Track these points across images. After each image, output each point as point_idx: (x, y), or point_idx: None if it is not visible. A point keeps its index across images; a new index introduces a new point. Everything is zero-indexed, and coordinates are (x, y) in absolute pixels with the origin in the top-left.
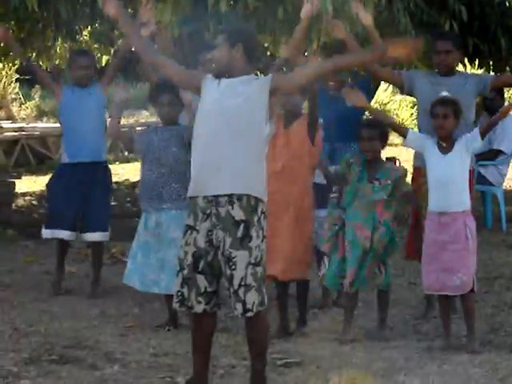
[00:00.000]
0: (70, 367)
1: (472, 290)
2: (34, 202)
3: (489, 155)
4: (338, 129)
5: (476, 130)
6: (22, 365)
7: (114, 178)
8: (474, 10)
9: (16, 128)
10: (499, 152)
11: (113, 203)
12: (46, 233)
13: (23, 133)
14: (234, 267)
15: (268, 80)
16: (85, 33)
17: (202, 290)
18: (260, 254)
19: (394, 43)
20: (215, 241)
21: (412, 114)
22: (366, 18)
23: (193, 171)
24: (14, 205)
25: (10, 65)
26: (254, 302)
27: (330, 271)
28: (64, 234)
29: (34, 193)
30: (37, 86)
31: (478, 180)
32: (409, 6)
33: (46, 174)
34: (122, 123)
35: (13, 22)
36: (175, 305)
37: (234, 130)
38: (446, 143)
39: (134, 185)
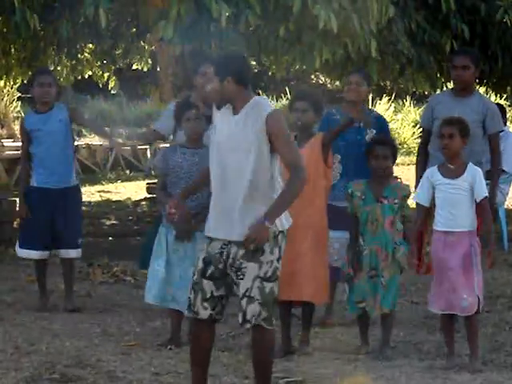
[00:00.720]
0: None
1: (477, 311)
2: None
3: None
4: (355, 164)
5: (484, 187)
6: None
7: (116, 197)
8: (476, 28)
9: (17, 147)
10: (501, 171)
11: (114, 222)
12: (22, 252)
13: None
14: (241, 277)
15: (263, 124)
16: (86, 51)
17: (208, 295)
18: (272, 271)
19: None
20: (227, 253)
21: (414, 133)
22: None
23: (210, 211)
24: (15, 223)
25: (12, 83)
26: (253, 316)
27: (351, 299)
28: (37, 255)
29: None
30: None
31: None
32: (410, 25)
33: None
34: (123, 142)
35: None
36: (186, 311)
37: (240, 174)
38: (453, 165)
39: (135, 203)
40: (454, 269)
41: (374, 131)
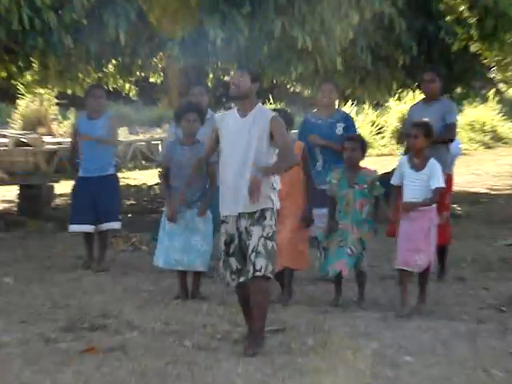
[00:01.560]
0: (99, 333)
1: (428, 269)
2: (69, 202)
3: None
4: (332, 153)
5: (439, 179)
6: (60, 332)
7: (134, 182)
8: (422, 46)
9: (55, 142)
10: None
11: (133, 202)
12: (73, 227)
13: (61, 146)
14: (250, 238)
15: (267, 125)
16: (110, 66)
17: (234, 268)
18: (272, 232)
19: None
20: (239, 226)
21: (371, 131)
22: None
23: (221, 192)
24: (53, 203)
25: (50, 91)
26: (261, 266)
27: (325, 264)
28: (87, 228)
29: (69, 194)
30: (72, 108)
31: None
32: (370, 43)
33: None
34: (139, 138)
35: (52, 58)
36: (222, 281)
37: (247, 162)
38: (417, 159)
39: (149, 187)
40: (417, 235)
41: (343, 125)
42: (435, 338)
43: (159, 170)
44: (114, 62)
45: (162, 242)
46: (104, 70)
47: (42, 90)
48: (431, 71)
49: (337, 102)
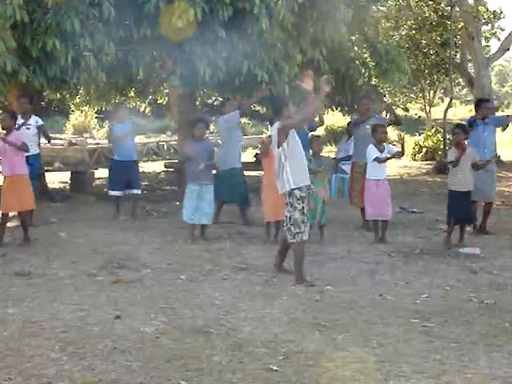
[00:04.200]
0: (124, 270)
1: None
2: (104, 183)
3: (347, 158)
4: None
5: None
6: (98, 269)
7: (147, 170)
8: (338, 80)
9: (95, 143)
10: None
11: (146, 183)
12: (112, 192)
13: (99, 145)
14: None
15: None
16: (131, 92)
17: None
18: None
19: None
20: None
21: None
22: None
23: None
24: (93, 184)
25: (92, 109)
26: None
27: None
28: (119, 193)
29: (104, 178)
30: (106, 120)
31: (341, 171)
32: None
33: None
34: (151, 140)
35: (92, 87)
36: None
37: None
38: (380, 146)
39: (157, 174)
40: (383, 196)
41: (309, 125)
42: (347, 273)
43: (164, 162)
44: (134, 89)
45: (187, 206)
46: (128, 95)
47: (86, 108)
48: (367, 99)
49: None
